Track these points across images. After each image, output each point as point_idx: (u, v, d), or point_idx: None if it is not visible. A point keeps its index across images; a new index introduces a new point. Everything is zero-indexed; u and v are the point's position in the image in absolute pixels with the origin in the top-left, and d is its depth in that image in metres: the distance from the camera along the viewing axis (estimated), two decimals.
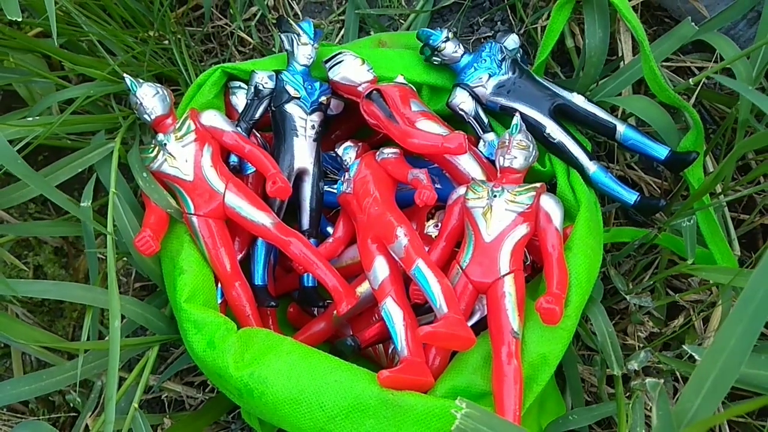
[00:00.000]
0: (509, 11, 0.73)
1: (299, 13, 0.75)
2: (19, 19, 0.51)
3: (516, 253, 0.46)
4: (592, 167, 0.52)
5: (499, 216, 0.46)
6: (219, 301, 0.51)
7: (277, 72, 0.55)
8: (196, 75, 0.66)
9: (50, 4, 0.42)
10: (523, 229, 0.46)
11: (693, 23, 0.55)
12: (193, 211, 0.50)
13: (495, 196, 0.47)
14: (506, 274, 0.45)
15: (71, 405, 0.66)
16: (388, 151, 0.54)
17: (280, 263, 0.59)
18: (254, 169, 0.55)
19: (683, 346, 0.44)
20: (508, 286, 0.44)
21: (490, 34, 0.73)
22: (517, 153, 0.49)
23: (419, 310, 0.50)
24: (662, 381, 0.36)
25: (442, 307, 0.43)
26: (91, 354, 0.48)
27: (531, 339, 0.44)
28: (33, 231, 0.56)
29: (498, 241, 0.46)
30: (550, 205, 0.47)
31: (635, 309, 0.57)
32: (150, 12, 0.67)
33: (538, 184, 0.48)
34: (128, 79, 0.52)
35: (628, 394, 0.52)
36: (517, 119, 0.50)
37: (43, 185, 0.46)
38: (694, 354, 0.42)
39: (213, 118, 0.51)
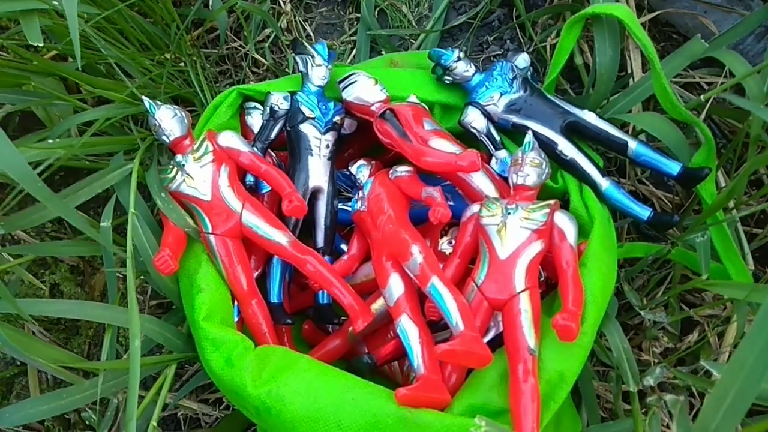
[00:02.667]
0: (518, 30, 0.74)
1: (311, 34, 0.76)
2: (41, 45, 0.52)
3: (531, 270, 0.46)
4: (604, 183, 0.52)
5: (513, 233, 0.46)
6: (235, 319, 0.51)
7: (292, 93, 0.56)
8: (212, 96, 0.67)
9: (74, 32, 0.43)
10: (537, 246, 0.46)
11: (702, 39, 0.56)
12: (210, 231, 0.50)
13: (509, 213, 0.47)
14: (522, 291, 0.45)
15: (87, 423, 0.66)
16: (402, 169, 0.54)
17: (295, 280, 0.59)
18: (270, 188, 0.55)
19: (700, 362, 0.44)
20: (524, 303, 0.44)
21: (499, 52, 0.74)
22: (530, 170, 0.49)
23: (434, 327, 0.50)
24: (682, 397, 0.36)
25: (458, 324, 0.44)
26: (109, 372, 0.49)
27: (548, 356, 0.44)
28: (52, 251, 0.57)
29: (513, 258, 0.46)
30: (564, 221, 0.47)
31: (650, 324, 0.57)
32: (166, 35, 0.68)
33: (551, 201, 0.48)
34: (147, 101, 0.53)
35: (644, 410, 0.52)
36: (529, 137, 0.51)
37: (64, 209, 0.47)
38: (711, 369, 0.42)
39: (230, 139, 0.52)
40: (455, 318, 0.44)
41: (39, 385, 0.68)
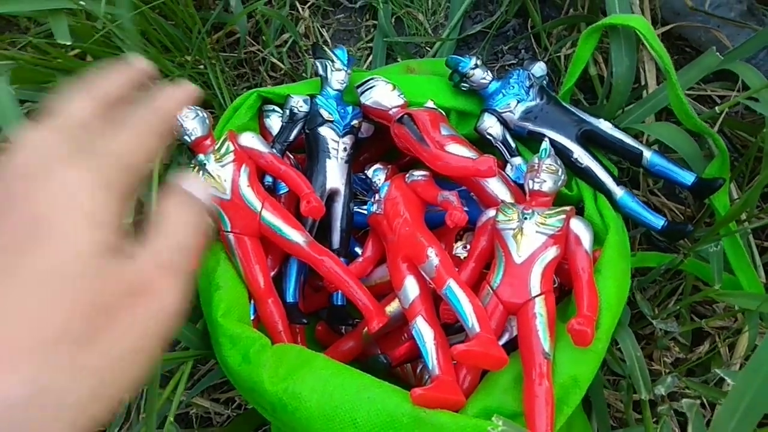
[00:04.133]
0: (533, 40, 0.75)
1: (329, 40, 0.77)
2: (69, 43, 0.53)
3: (546, 275, 0.46)
4: (618, 192, 0.53)
5: (530, 238, 0.47)
6: (251, 317, 0.52)
7: (311, 96, 0.57)
8: (231, 99, 0.68)
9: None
10: (553, 252, 0.47)
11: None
12: (229, 229, 0.51)
13: (526, 218, 0.48)
14: (537, 296, 0.45)
15: None
16: (418, 174, 0.55)
17: (309, 282, 0.60)
18: (287, 189, 0.56)
19: (714, 369, 0.45)
20: (539, 307, 0.45)
21: (514, 61, 0.75)
22: (547, 177, 0.50)
23: (448, 330, 0.50)
24: (698, 402, 0.37)
25: (474, 326, 0.44)
26: None
27: (562, 361, 0.44)
28: None
29: (529, 262, 0.46)
30: (579, 228, 0.48)
31: (661, 334, 0.58)
32: (188, 38, 0.69)
33: (567, 208, 0.49)
34: None
35: (654, 419, 0.52)
36: (546, 143, 0.52)
37: None
38: (726, 377, 0.42)
39: (251, 140, 0.53)
40: (471, 320, 0.44)
41: None
